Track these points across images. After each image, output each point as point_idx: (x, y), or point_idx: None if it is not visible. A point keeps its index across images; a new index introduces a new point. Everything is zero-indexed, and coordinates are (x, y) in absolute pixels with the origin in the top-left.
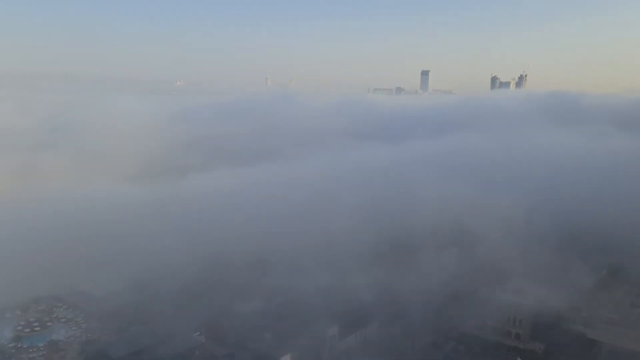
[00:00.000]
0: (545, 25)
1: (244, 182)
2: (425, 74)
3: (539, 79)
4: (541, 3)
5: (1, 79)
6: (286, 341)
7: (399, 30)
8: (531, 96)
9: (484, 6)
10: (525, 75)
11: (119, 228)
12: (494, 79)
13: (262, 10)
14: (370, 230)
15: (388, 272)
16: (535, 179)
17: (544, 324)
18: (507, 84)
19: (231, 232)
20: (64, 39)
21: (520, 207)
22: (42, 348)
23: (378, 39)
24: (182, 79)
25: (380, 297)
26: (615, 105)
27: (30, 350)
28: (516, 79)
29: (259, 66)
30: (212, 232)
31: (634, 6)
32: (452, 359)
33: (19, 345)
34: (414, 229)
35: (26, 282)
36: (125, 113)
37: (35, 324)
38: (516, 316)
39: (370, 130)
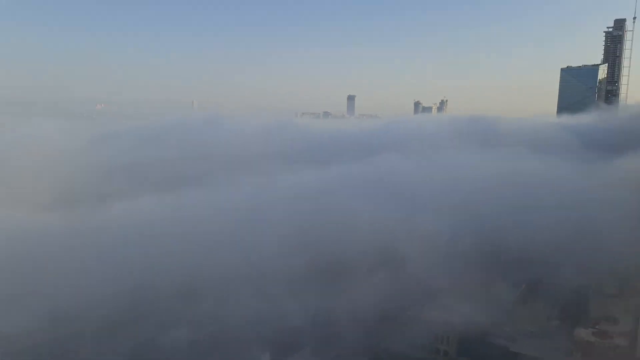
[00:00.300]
0: (463, 53)
1: (169, 209)
2: (351, 98)
3: (459, 103)
4: (460, 33)
5: None
6: None
7: (325, 56)
8: (453, 120)
9: (406, 34)
10: (446, 101)
11: (34, 260)
12: (416, 104)
13: (188, 32)
14: (301, 255)
15: (319, 296)
16: (459, 199)
17: (470, 339)
18: (429, 109)
19: (157, 261)
20: None
21: (445, 227)
22: None
23: (305, 63)
24: (102, 102)
25: (312, 321)
26: (527, 128)
27: None
28: (437, 104)
29: (185, 90)
30: (136, 262)
31: (541, 38)
32: None
33: None
34: (344, 252)
35: None
36: (39, 137)
37: None
38: (444, 334)
39: (299, 154)
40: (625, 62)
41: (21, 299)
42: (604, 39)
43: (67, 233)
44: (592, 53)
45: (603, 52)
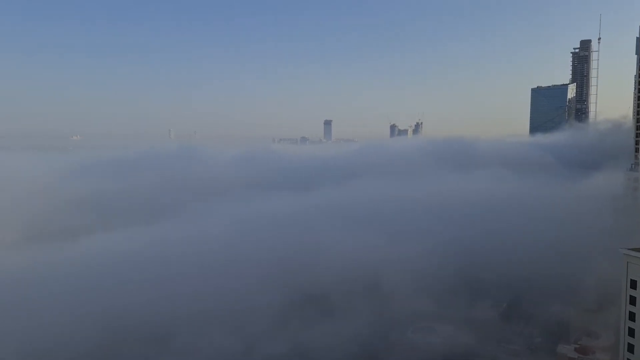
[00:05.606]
0: (437, 75)
1: (144, 243)
2: (328, 123)
3: (434, 125)
4: (433, 56)
5: None
6: None
7: (301, 81)
8: (430, 142)
9: (380, 57)
10: (421, 123)
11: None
12: (392, 127)
13: (164, 61)
14: (281, 286)
15: (301, 329)
16: (439, 222)
17: None
18: (405, 132)
19: (132, 298)
20: None
21: (426, 250)
22: None
23: (281, 90)
24: (78, 134)
25: (294, 352)
26: (503, 149)
27: None
28: (413, 127)
29: (162, 119)
30: (107, 300)
31: (510, 59)
32: None
33: None
34: (325, 281)
35: None
36: (12, 171)
37: None
38: (428, 356)
39: (277, 181)
40: (592, 82)
41: None
42: (571, 59)
43: (38, 271)
44: (560, 73)
45: (571, 72)
